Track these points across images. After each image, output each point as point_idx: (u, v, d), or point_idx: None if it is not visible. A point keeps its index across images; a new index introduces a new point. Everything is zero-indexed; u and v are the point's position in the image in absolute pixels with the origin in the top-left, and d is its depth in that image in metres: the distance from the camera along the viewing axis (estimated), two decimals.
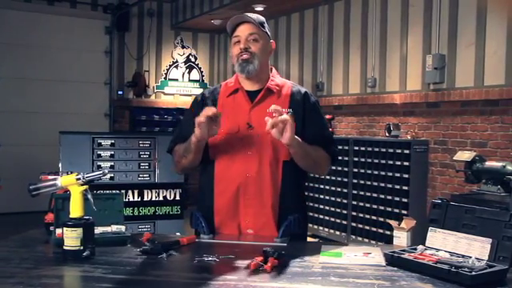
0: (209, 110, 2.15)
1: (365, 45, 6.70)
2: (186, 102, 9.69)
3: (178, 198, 4.84)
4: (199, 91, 9.76)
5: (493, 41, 5.15)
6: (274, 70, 2.46)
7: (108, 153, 4.63)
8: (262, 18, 2.39)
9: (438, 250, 1.92)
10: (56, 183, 1.93)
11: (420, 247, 1.95)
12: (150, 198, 4.73)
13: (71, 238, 1.86)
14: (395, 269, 1.82)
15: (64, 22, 8.66)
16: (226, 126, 2.29)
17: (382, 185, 5.97)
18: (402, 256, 1.85)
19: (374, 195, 6.08)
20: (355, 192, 6.35)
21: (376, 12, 6.52)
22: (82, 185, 1.92)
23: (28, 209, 7.79)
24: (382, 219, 5.98)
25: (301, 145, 2.20)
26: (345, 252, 2.02)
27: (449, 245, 1.91)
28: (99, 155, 4.61)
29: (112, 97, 9.15)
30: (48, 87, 8.55)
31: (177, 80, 9.70)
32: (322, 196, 6.79)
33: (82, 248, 1.86)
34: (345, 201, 6.49)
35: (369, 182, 6.16)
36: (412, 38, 6.05)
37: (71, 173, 2.18)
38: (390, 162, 5.89)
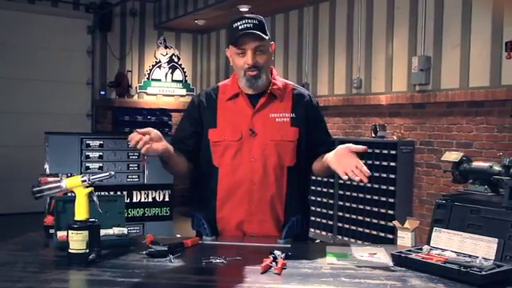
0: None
1: (350, 46, 6.74)
2: (168, 103, 9.64)
3: (167, 199, 4.80)
4: (182, 91, 9.84)
5: (478, 43, 5.23)
6: (274, 70, 2.41)
7: (96, 154, 4.57)
8: (263, 20, 2.28)
9: (443, 250, 1.94)
10: (61, 185, 1.89)
11: (425, 247, 1.97)
12: (138, 199, 4.69)
13: (77, 241, 1.83)
14: (403, 269, 1.83)
15: (45, 20, 8.52)
16: (228, 133, 2.26)
17: (369, 185, 6.01)
18: (410, 256, 1.86)
19: (361, 195, 6.12)
20: (341, 192, 6.38)
21: (361, 13, 6.57)
22: (88, 187, 1.88)
23: (14, 210, 7.68)
24: (368, 219, 6.02)
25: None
26: (350, 253, 2.03)
27: (454, 245, 1.93)
28: (87, 156, 4.55)
29: (94, 97, 9.05)
30: (28, 87, 8.40)
31: (160, 80, 9.64)
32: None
33: (87, 251, 1.83)
34: (331, 201, 6.52)
35: (355, 183, 6.16)
36: (398, 40, 6.11)
37: (71, 175, 2.15)
38: (377, 163, 5.94)
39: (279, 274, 1.73)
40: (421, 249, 1.97)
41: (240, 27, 2.21)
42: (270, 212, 2.25)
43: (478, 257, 1.81)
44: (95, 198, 1.89)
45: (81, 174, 1.98)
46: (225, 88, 2.36)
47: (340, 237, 6.40)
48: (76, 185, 1.88)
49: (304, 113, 2.33)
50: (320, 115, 2.42)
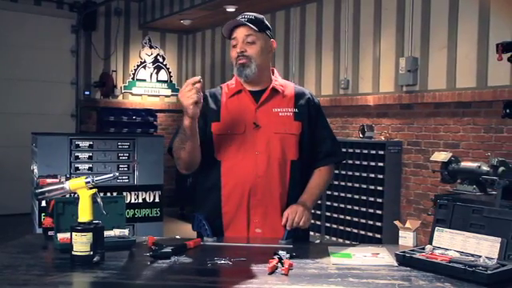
0: (189, 81, 2.09)
1: (337, 47, 6.77)
2: (153, 103, 9.59)
3: (157, 200, 4.76)
4: (167, 92, 9.78)
5: (464, 45, 5.29)
6: (275, 71, 2.45)
7: (86, 154, 4.51)
8: (261, 17, 2.35)
9: (446, 249, 1.95)
10: (64, 187, 1.87)
11: (428, 247, 1.98)
12: (129, 200, 4.64)
13: (80, 243, 1.80)
14: (408, 269, 1.84)
15: (28, 19, 8.41)
16: (231, 126, 2.28)
17: (357, 185, 6.05)
18: (415, 256, 1.87)
19: (349, 195, 6.15)
20: (329, 192, 6.40)
21: (349, 14, 6.60)
22: (91, 188, 1.86)
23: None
24: (356, 219, 6.05)
25: (314, 200, 2.36)
26: (353, 253, 2.04)
27: (457, 244, 1.95)
28: (77, 157, 4.49)
29: (78, 97, 8.95)
30: (12, 87, 8.28)
31: (145, 80, 9.58)
32: None
33: (91, 253, 1.81)
34: (319, 201, 6.52)
35: (343, 183, 6.22)
36: (385, 41, 6.15)
37: (70, 176, 2.12)
38: (365, 163, 5.97)
39: (286, 275, 1.72)
40: (423, 248, 1.98)
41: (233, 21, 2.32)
42: (274, 205, 2.27)
43: (481, 256, 1.83)
44: (99, 200, 1.87)
45: (70, 174, 1.96)
46: (228, 86, 2.42)
47: (328, 237, 6.42)
48: (80, 186, 1.86)
49: (306, 109, 2.37)
50: (321, 113, 2.46)
